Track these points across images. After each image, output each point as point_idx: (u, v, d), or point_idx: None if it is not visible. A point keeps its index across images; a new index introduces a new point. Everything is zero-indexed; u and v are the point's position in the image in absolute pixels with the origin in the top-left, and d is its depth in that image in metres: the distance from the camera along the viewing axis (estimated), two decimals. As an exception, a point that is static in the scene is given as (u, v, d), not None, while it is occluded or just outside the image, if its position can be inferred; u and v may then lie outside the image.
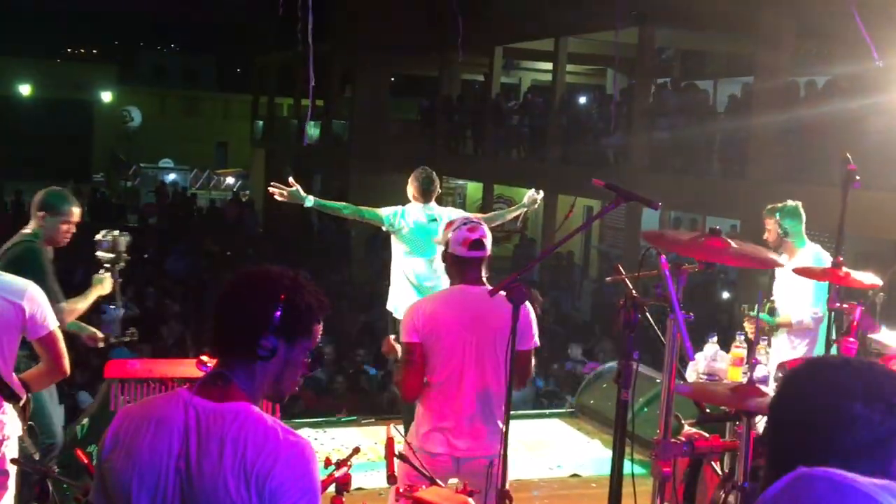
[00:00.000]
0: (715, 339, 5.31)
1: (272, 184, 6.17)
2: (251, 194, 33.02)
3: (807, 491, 1.48)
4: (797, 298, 5.72)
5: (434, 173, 6.15)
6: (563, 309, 16.53)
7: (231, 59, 45.98)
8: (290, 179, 6.17)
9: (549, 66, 20.37)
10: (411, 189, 6.10)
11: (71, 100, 39.55)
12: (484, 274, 4.03)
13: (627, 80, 19.68)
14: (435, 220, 6.03)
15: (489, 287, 3.97)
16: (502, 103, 20.35)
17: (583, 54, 20.22)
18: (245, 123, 35.99)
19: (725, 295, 15.83)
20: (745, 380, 3.93)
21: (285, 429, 2.08)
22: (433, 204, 6.08)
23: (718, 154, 14.91)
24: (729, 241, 3.59)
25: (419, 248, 6.03)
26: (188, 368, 5.19)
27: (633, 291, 3.53)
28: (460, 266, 4.01)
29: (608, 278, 4.60)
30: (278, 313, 2.16)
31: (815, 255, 5.82)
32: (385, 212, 6.14)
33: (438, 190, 6.12)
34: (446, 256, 4.03)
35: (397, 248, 6.12)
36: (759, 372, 4.27)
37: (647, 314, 3.64)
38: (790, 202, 6.00)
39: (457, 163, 21.13)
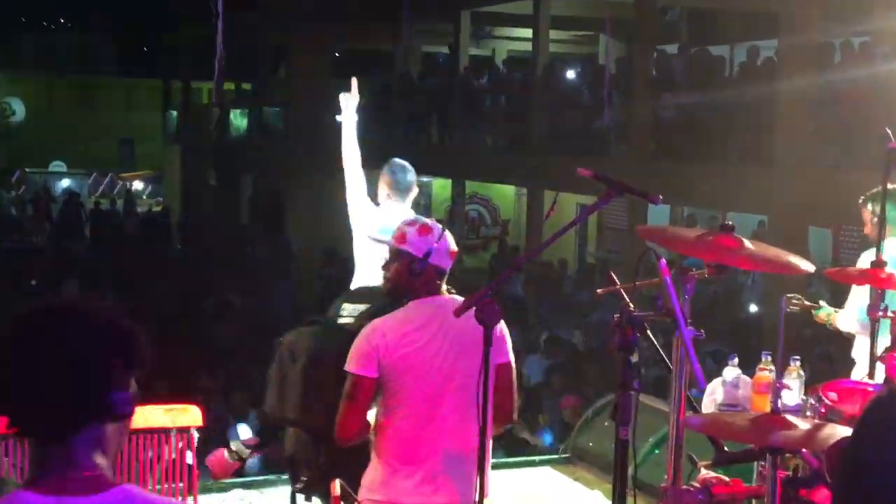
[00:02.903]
0: (736, 360, 5.35)
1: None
2: (165, 202, 32.90)
3: None
4: (849, 302, 5.68)
5: (408, 165, 6.12)
6: (555, 331, 16.57)
7: (135, 36, 45.77)
8: (355, 85, 6.14)
9: (528, 32, 20.47)
10: (382, 187, 6.08)
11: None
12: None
13: (624, 47, 19.82)
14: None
15: (456, 297, 4.02)
16: (472, 80, 20.43)
17: (569, 17, 20.36)
18: (155, 115, 35.89)
19: (753, 308, 15.94)
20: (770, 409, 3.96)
21: None
22: (409, 207, 6.05)
23: (738, 135, 15.03)
24: (743, 239, 3.62)
25: None
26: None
27: (631, 305, 3.56)
28: (440, 280, 4.10)
29: (599, 290, 4.63)
30: (123, 355, 2.04)
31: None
32: (368, 206, 6.07)
33: (416, 188, 6.12)
34: (421, 269, 4.06)
35: (364, 253, 6.07)
36: (788, 398, 4.30)
37: (649, 332, 3.67)
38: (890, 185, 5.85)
39: (418, 155, 21.10)
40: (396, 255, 4.14)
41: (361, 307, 4.64)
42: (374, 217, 6.00)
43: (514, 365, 4.14)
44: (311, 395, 4.44)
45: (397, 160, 6.16)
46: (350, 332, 4.26)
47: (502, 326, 4.03)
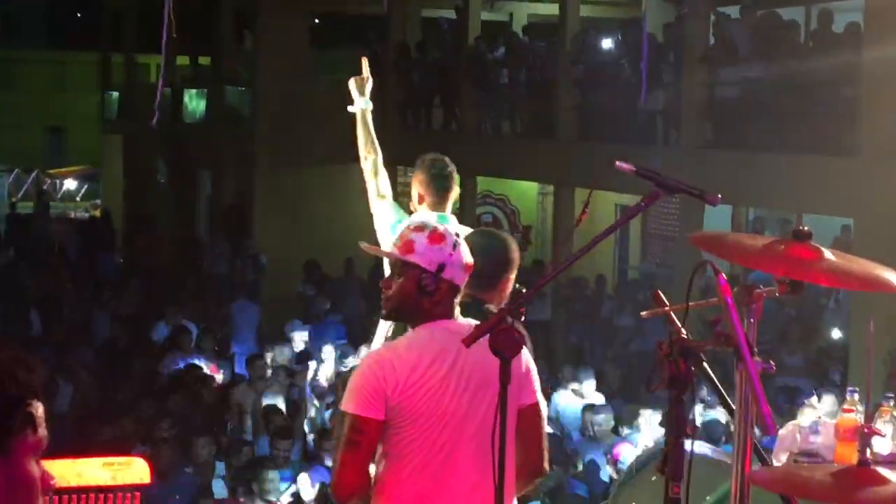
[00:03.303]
0: (815, 399, 5.37)
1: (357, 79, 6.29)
2: (104, 204, 32.96)
3: None
4: None
5: (449, 162, 6.16)
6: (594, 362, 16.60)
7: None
8: (366, 66, 6.37)
9: (553, -8, 20.52)
10: (417, 188, 6.11)
11: None
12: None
13: (674, 9, 19.83)
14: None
15: (466, 321, 4.09)
16: (485, 52, 20.46)
17: (605, -27, 20.38)
18: (91, 96, 35.91)
19: (836, 334, 15.94)
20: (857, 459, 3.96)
21: None
22: (450, 214, 6.08)
23: (816, 118, 15.03)
24: (822, 249, 3.63)
25: None
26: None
27: (683, 330, 3.57)
28: (450, 298, 4.17)
29: (644, 313, 4.64)
30: None
31: None
32: (397, 214, 6.15)
33: (457, 189, 6.16)
34: (433, 286, 4.12)
35: None
36: (880, 447, 4.31)
37: (706, 365, 3.67)
38: None
39: (418, 144, 21.10)
40: (401, 269, 4.17)
41: None
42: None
43: (543, 405, 4.16)
44: None
45: (432, 155, 6.19)
46: None
47: (527, 359, 4.06)
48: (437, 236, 4.15)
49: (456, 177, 6.14)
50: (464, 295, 4.78)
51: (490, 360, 3.63)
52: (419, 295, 4.13)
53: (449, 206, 6.09)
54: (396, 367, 4.02)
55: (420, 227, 4.20)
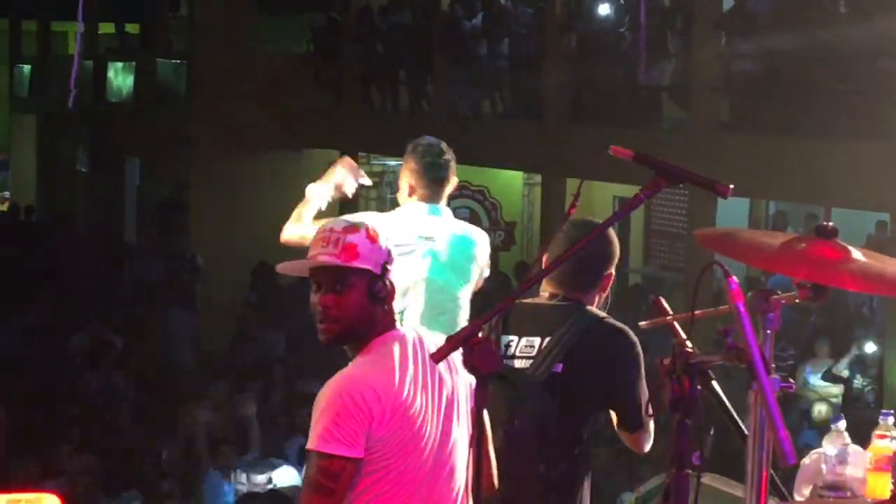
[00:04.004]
0: (843, 424, 5.38)
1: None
2: (13, 197, 32.80)
3: None
4: None
5: (445, 148, 6.20)
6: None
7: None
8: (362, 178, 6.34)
9: (541, -51, 20.53)
10: (407, 177, 6.17)
11: None
12: None
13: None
14: (459, 236, 6.13)
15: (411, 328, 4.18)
16: (461, 18, 20.45)
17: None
18: (-2, 70, 35.78)
19: (869, 348, 15.98)
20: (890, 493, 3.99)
21: None
22: (444, 206, 6.15)
23: (847, 97, 15.08)
24: (850, 248, 3.65)
25: (438, 287, 6.05)
26: None
27: (688, 344, 3.58)
28: (391, 303, 4.22)
29: (643, 323, 4.65)
30: None
31: None
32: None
33: (455, 179, 6.21)
34: (384, 290, 4.17)
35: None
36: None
37: (715, 383, 3.69)
38: None
39: (382, 128, 21.19)
40: (345, 280, 4.15)
41: (536, 340, 4.79)
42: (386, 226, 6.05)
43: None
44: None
45: (427, 139, 6.21)
46: (543, 385, 4.53)
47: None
48: (373, 234, 4.18)
49: (453, 165, 6.18)
50: (560, 296, 4.81)
51: (451, 372, 3.76)
52: (371, 305, 4.16)
53: (444, 197, 6.14)
54: (381, 396, 4.04)
55: (353, 228, 4.19)
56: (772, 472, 3.87)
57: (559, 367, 4.75)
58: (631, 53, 17.55)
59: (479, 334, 3.58)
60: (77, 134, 28.66)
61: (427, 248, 6.01)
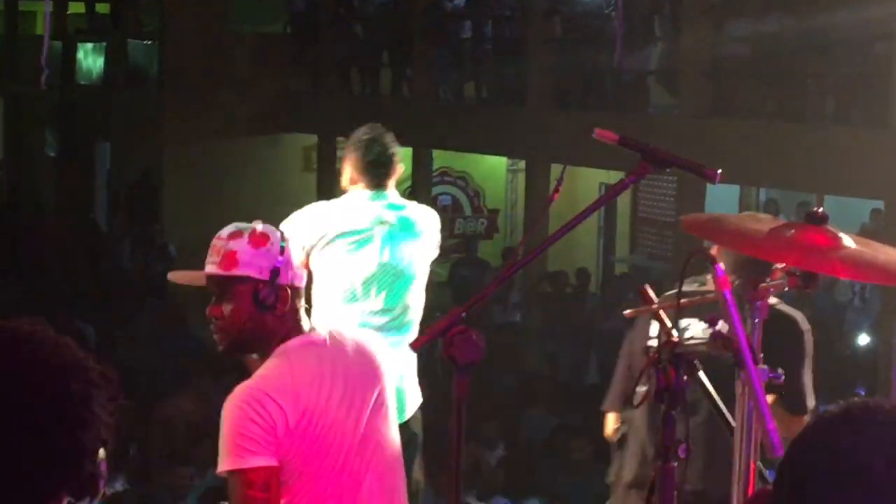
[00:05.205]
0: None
1: None
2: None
3: None
4: None
5: (389, 141, 6.24)
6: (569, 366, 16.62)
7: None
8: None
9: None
10: (350, 169, 6.23)
11: None
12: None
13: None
14: (408, 218, 6.17)
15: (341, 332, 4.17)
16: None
17: None
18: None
19: (862, 339, 16.02)
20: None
21: None
22: (391, 190, 6.19)
23: (840, 81, 15.09)
24: (841, 235, 3.63)
25: (374, 277, 6.07)
26: None
27: (674, 332, 3.57)
28: (296, 305, 4.21)
29: (627, 311, 4.65)
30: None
31: None
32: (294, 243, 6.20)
33: (401, 165, 6.24)
34: (275, 293, 4.13)
35: (332, 270, 6.10)
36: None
37: (701, 374, 3.68)
38: None
39: (361, 113, 21.09)
40: (229, 290, 4.15)
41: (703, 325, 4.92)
42: (321, 219, 6.04)
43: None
44: (717, 457, 4.66)
45: (369, 132, 6.25)
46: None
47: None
48: (258, 238, 4.16)
49: (398, 155, 6.22)
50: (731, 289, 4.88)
51: (368, 370, 3.91)
52: (259, 313, 4.14)
53: (391, 184, 6.19)
54: (283, 403, 4.03)
55: (236, 234, 4.17)
56: (759, 464, 3.87)
57: None
58: (616, 37, 17.56)
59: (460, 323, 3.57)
60: (45, 117, 28.55)
61: (384, 231, 6.08)
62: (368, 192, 6.12)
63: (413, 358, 5.84)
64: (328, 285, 6.05)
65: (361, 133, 6.23)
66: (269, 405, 4.01)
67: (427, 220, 6.24)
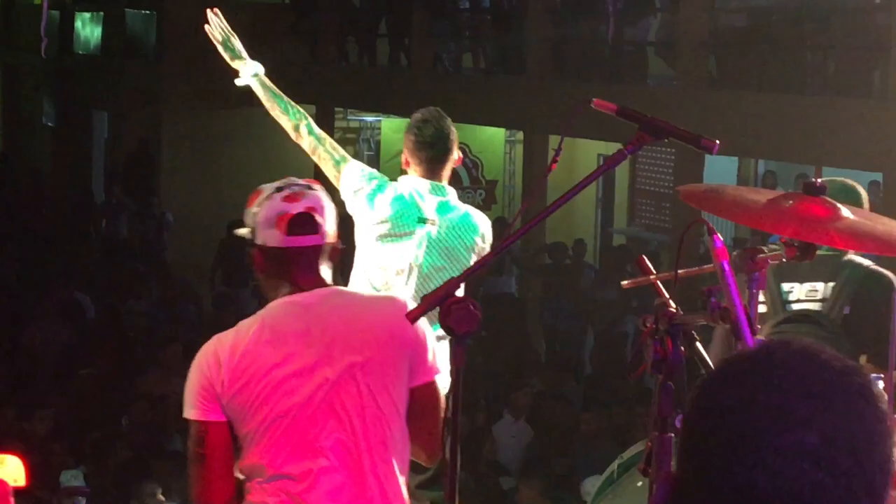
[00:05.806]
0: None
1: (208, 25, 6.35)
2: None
3: None
4: None
5: (445, 125, 6.12)
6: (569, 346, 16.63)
7: None
8: (216, 19, 6.44)
9: None
10: (405, 150, 6.13)
11: None
12: (327, 273, 4.19)
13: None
14: (466, 220, 6.06)
15: (343, 289, 4.16)
16: (442, -31, 20.41)
17: None
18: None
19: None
20: None
21: None
22: (447, 186, 6.10)
23: (840, 53, 15.06)
24: (839, 205, 3.66)
25: (429, 274, 5.98)
26: None
27: (671, 304, 3.59)
28: (279, 266, 4.17)
29: (624, 282, 4.66)
30: None
31: None
32: (355, 166, 6.11)
33: (457, 155, 6.15)
34: (251, 255, 4.19)
35: (369, 254, 6.04)
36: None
37: (699, 345, 3.69)
38: None
39: (359, 83, 21.15)
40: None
41: (819, 286, 5.21)
42: (371, 204, 5.97)
43: (442, 382, 4.21)
44: None
45: (425, 113, 6.12)
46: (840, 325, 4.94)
47: (423, 330, 4.13)
48: (251, 198, 4.23)
49: (453, 139, 6.08)
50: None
51: (361, 336, 3.92)
52: (258, 274, 4.25)
53: (446, 174, 6.06)
54: (221, 357, 4.04)
55: (254, 195, 4.25)
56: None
57: (847, 310, 5.19)
58: (615, 9, 17.54)
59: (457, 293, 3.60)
60: (43, 86, 28.51)
61: (425, 233, 5.94)
62: (427, 184, 5.98)
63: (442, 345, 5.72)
64: (365, 263, 6.00)
65: (417, 113, 6.11)
66: (211, 360, 4.05)
67: (480, 226, 6.10)
